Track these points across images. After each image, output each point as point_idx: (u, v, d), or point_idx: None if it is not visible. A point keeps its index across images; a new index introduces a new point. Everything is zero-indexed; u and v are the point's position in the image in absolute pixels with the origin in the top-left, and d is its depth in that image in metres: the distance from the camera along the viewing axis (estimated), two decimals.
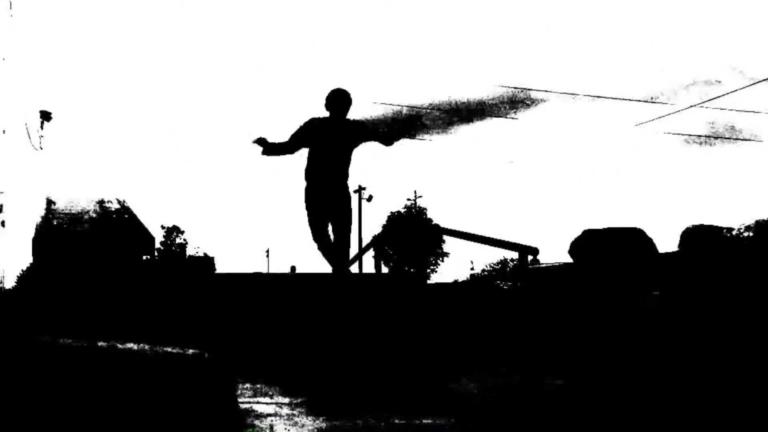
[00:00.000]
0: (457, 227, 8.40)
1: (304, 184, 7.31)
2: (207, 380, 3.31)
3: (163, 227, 55.54)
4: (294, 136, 7.24)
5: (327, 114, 7.28)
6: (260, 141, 7.17)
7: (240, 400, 4.32)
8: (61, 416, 3.04)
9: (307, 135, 7.20)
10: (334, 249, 7.26)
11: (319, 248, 7.27)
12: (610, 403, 4.62)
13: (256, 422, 3.83)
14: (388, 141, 7.37)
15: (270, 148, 7.21)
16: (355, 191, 48.50)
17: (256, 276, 8.12)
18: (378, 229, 43.28)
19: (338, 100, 7.21)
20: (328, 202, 7.18)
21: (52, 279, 7.55)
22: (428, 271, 49.71)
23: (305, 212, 7.33)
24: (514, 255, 8.38)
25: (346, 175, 7.36)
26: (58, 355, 3.17)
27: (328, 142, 7.19)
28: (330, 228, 7.28)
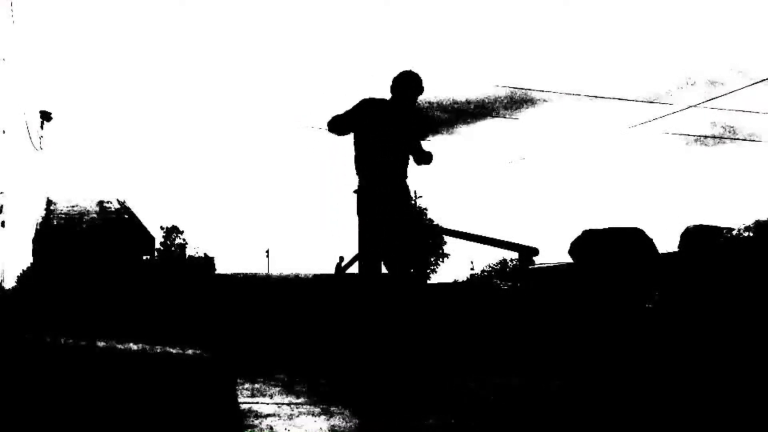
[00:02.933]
0: (457, 227, 8.40)
1: (356, 183, 6.33)
2: (207, 380, 3.31)
3: (162, 228, 55.65)
4: (347, 115, 6.21)
5: (387, 98, 6.26)
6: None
7: (240, 399, 4.32)
8: (60, 416, 3.04)
9: (357, 118, 6.18)
10: (395, 260, 6.23)
11: (366, 262, 6.24)
12: (611, 403, 4.62)
13: (256, 422, 3.83)
14: (418, 160, 6.43)
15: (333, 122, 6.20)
16: (354, 191, 48.56)
17: (256, 277, 8.12)
18: None
19: (409, 83, 6.21)
20: (388, 206, 6.20)
21: (52, 279, 7.56)
22: (428, 271, 49.71)
23: (357, 217, 6.28)
24: (515, 255, 8.39)
25: (406, 174, 6.35)
26: (58, 354, 3.17)
27: (389, 131, 6.20)
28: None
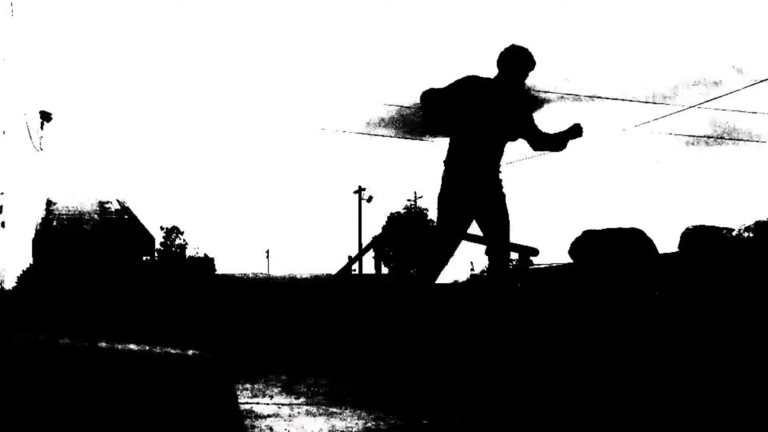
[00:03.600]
0: None
1: (442, 171, 5.56)
2: (207, 381, 3.31)
3: (162, 228, 55.57)
4: (446, 90, 5.35)
5: (492, 77, 5.41)
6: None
7: (240, 400, 4.32)
8: (61, 417, 3.04)
9: (456, 96, 5.33)
10: (491, 265, 5.69)
11: (435, 260, 5.64)
12: (612, 403, 4.62)
13: (256, 423, 3.83)
14: (558, 146, 5.64)
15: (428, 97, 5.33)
16: (354, 192, 48.63)
17: (256, 277, 8.12)
18: (378, 230, 43.34)
19: (521, 59, 5.40)
20: (476, 203, 5.51)
21: (52, 279, 7.56)
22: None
23: (438, 210, 5.61)
24: (515, 255, 8.40)
25: (499, 167, 5.58)
26: (58, 355, 3.17)
27: (491, 117, 5.35)
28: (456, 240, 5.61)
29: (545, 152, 5.80)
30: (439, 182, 5.58)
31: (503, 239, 5.62)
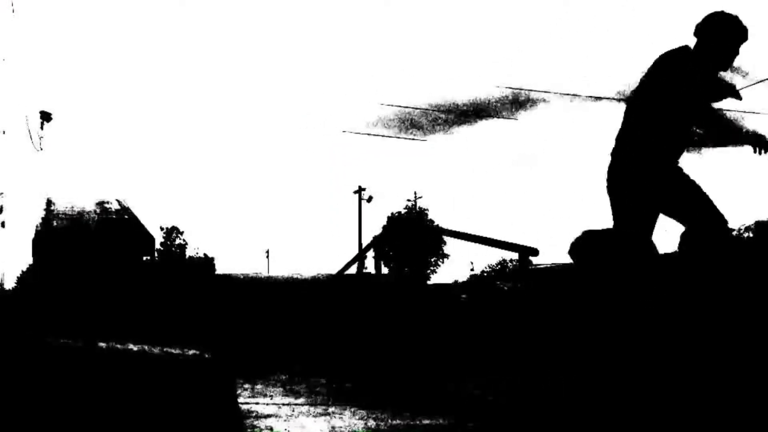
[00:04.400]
0: (457, 228, 8.40)
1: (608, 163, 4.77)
2: (208, 381, 3.31)
3: (162, 228, 55.57)
4: (688, 81, 4.40)
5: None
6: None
7: (240, 400, 4.33)
8: (62, 417, 3.04)
9: (654, 78, 4.38)
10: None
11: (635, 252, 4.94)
12: (610, 404, 4.62)
13: (256, 422, 3.83)
14: (724, 136, 4.96)
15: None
16: (354, 192, 48.62)
17: (256, 278, 8.12)
18: (378, 230, 43.36)
19: (726, 30, 4.40)
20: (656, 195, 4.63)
21: (52, 279, 7.56)
22: (428, 272, 49.74)
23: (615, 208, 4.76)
24: (514, 256, 8.40)
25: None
26: (59, 355, 3.17)
27: (682, 96, 4.41)
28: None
29: (701, 130, 4.88)
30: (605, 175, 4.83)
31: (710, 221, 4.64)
